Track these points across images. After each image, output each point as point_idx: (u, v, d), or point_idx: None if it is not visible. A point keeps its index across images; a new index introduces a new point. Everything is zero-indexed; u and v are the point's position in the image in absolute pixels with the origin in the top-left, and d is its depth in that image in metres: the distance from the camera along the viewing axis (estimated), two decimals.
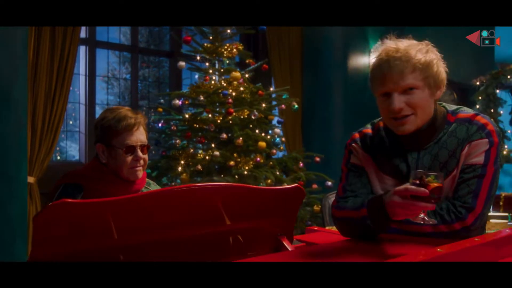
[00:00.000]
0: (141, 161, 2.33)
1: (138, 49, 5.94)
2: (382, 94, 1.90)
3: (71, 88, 4.85)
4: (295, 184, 1.98)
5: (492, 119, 1.97)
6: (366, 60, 6.56)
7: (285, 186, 2.02)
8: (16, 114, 3.60)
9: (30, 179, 4.34)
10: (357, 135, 2.16)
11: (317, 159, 5.04)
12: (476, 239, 1.70)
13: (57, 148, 5.81)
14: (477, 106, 5.61)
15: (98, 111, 5.67)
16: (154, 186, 2.57)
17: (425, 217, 1.74)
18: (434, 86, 1.88)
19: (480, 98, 5.61)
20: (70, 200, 1.43)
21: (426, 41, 1.94)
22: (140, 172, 2.36)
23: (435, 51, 1.93)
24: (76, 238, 1.46)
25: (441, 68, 1.90)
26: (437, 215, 1.87)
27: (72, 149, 5.97)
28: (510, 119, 5.80)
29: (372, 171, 2.07)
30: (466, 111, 1.98)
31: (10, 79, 3.50)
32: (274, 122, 5.40)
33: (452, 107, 2.02)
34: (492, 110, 5.55)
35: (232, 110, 4.47)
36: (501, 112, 5.64)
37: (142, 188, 2.43)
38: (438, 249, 1.49)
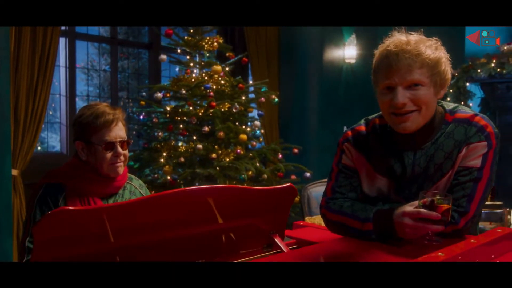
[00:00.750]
0: (121, 157, 2.27)
1: (117, 41, 5.83)
2: (385, 87, 1.81)
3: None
4: (288, 184, 1.92)
5: (491, 120, 1.89)
6: (341, 53, 6.57)
7: (279, 186, 1.91)
8: (0, 107, 3.49)
9: (14, 172, 4.25)
10: (350, 133, 2.06)
11: (295, 150, 5.04)
12: (473, 240, 1.69)
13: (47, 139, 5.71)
14: (448, 99, 5.65)
15: (79, 102, 5.60)
16: (136, 181, 2.50)
17: (433, 237, 1.73)
18: (439, 84, 1.81)
19: (451, 91, 5.65)
20: (68, 208, 1.42)
21: (436, 38, 1.85)
22: (121, 168, 2.30)
23: (443, 50, 1.84)
24: (74, 243, 1.45)
25: (447, 68, 1.82)
26: None
27: (53, 139, 5.86)
28: (478, 111, 5.83)
29: (364, 171, 2.00)
30: (465, 111, 1.90)
31: None
32: (252, 114, 5.37)
33: (450, 105, 1.95)
34: (462, 103, 5.58)
35: (214, 103, 4.44)
36: (471, 104, 5.70)
37: (124, 184, 2.39)
38: (440, 253, 1.49)
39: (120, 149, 2.25)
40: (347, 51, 6.55)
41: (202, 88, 4.60)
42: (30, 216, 2.16)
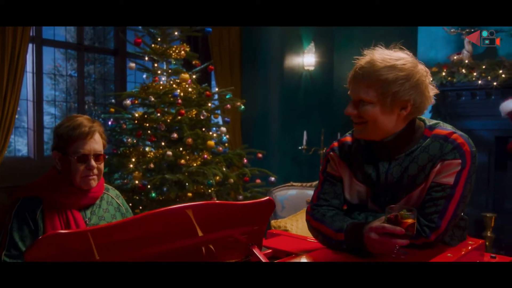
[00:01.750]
0: (95, 170, 2.21)
1: (83, 47, 5.71)
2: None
3: None
4: (267, 197, 1.94)
5: (469, 139, 1.92)
6: (300, 60, 6.61)
7: (257, 200, 1.92)
8: None
9: None
10: (336, 144, 2.13)
11: (259, 155, 5.04)
12: (449, 254, 1.74)
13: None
14: None
15: (46, 107, 5.45)
16: (112, 191, 2.46)
17: (400, 251, 1.74)
18: (390, 104, 1.83)
19: None
20: (58, 232, 1.43)
21: (413, 59, 1.89)
22: (94, 181, 2.24)
23: (417, 72, 1.86)
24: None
25: (407, 89, 1.82)
26: None
27: (19, 143, 5.72)
28: (430, 117, 5.90)
29: (346, 178, 2.05)
30: (445, 128, 1.93)
31: None
32: (216, 120, 5.35)
33: (431, 121, 1.99)
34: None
35: (183, 111, 4.41)
36: None
37: (100, 195, 2.34)
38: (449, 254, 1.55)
39: (93, 163, 2.19)
40: (306, 59, 6.60)
41: (170, 95, 4.55)
42: (7, 229, 2.11)
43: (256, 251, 1.95)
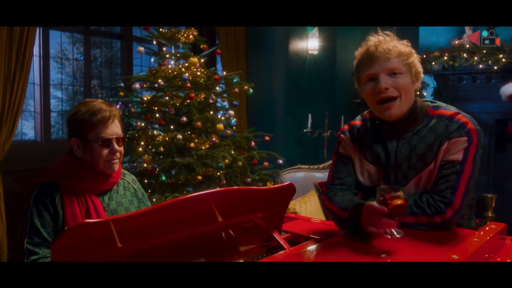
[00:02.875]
0: (117, 154, 2.16)
1: (90, 30, 5.51)
2: (369, 78, 1.91)
3: None
4: (288, 182, 1.92)
5: (473, 119, 1.94)
6: (304, 44, 6.45)
7: (279, 185, 1.93)
8: None
9: None
10: (346, 127, 2.16)
11: (267, 138, 4.90)
12: (475, 239, 1.67)
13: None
14: None
15: (52, 90, 5.29)
16: (129, 176, 2.39)
17: (394, 232, 1.69)
18: (415, 74, 1.93)
19: None
20: (86, 221, 1.40)
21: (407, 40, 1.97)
22: (117, 165, 2.18)
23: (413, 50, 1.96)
24: (89, 253, 1.42)
25: (418, 62, 1.96)
26: (418, 207, 1.87)
27: (25, 127, 5.54)
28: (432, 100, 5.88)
29: (357, 160, 2.08)
30: (449, 109, 1.98)
31: None
32: (223, 104, 5.21)
33: (434, 102, 2.05)
34: (417, 92, 5.60)
35: (193, 95, 4.26)
36: (425, 94, 5.75)
37: (118, 180, 2.27)
38: (454, 256, 1.45)
39: (116, 146, 2.14)
40: (310, 43, 6.44)
41: (179, 79, 4.40)
42: (26, 216, 2.02)
43: (276, 235, 1.94)
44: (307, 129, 5.99)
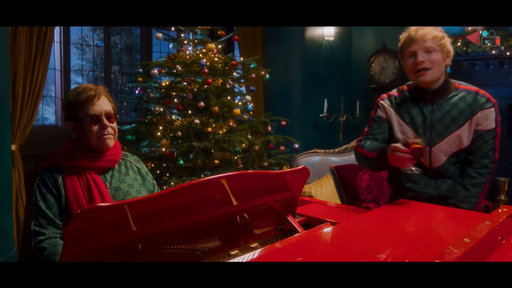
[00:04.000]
0: (109, 129, 2.10)
1: None
2: (410, 55, 2.33)
3: None
4: (302, 166, 1.91)
5: None
6: (320, 31, 6.30)
7: (293, 168, 1.90)
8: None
9: (13, 147, 3.91)
10: (385, 95, 2.51)
11: (283, 123, 4.80)
12: (487, 222, 1.63)
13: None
14: None
15: (73, 76, 5.23)
16: (131, 157, 2.32)
17: (413, 168, 2.15)
18: (446, 52, 2.33)
19: None
20: (97, 205, 1.35)
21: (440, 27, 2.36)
22: (110, 141, 2.12)
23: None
24: (101, 236, 1.36)
25: (449, 43, 2.36)
26: (477, 174, 2.32)
27: (46, 112, 5.49)
28: None
29: (395, 122, 2.42)
30: (471, 85, 2.40)
31: None
32: (240, 89, 5.12)
33: (458, 81, 2.45)
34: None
35: (210, 80, 4.16)
36: None
37: (119, 159, 2.21)
38: (465, 239, 1.40)
39: (106, 121, 2.09)
40: (326, 29, 6.28)
41: (197, 65, 4.31)
42: (31, 201, 2.00)
43: (290, 219, 1.92)
44: (323, 114, 5.87)
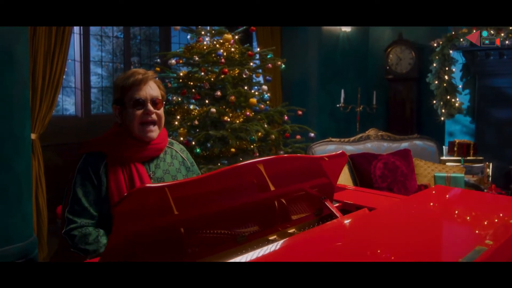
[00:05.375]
0: (153, 115, 1.96)
1: None
2: None
3: None
4: (340, 151, 1.82)
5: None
6: None
7: (331, 154, 1.79)
8: (19, 74, 3.04)
9: (32, 136, 3.85)
10: None
11: (299, 112, 4.66)
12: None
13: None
14: (434, 65, 5.41)
15: (92, 67, 5.16)
16: (177, 145, 2.19)
17: None
18: None
19: (437, 57, 5.37)
20: (147, 186, 1.29)
21: None
22: (153, 133, 1.98)
23: None
24: (147, 219, 1.31)
25: None
26: None
27: (66, 103, 5.44)
28: (460, 76, 5.64)
29: None
30: None
31: (11, 39, 2.92)
32: (257, 79, 4.99)
33: None
34: (446, 68, 5.37)
35: (226, 70, 4.05)
36: (454, 69, 5.45)
37: (164, 148, 2.07)
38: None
39: (150, 107, 1.95)
40: None
41: (214, 55, 4.19)
42: (70, 186, 1.93)
43: (328, 204, 1.84)
44: (340, 104, 5.72)
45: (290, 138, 4.58)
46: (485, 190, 4.58)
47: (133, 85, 1.94)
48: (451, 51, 5.36)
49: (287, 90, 6.14)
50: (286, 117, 4.61)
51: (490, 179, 4.87)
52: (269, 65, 4.53)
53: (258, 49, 4.79)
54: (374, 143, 4.53)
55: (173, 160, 2.10)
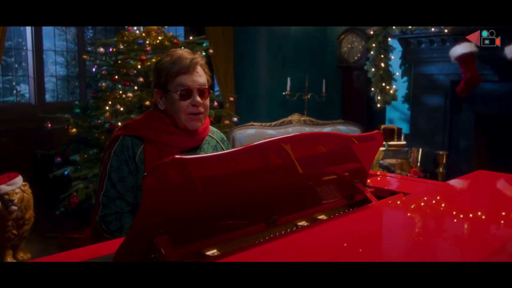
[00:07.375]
0: (200, 108, 1.81)
1: None
2: None
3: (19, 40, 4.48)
4: (376, 131, 1.62)
5: None
6: None
7: (365, 133, 1.61)
8: None
9: None
10: None
11: (231, 99, 4.78)
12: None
13: (17, 90, 5.54)
14: (371, 52, 5.35)
15: (58, 58, 5.33)
16: (217, 134, 2.05)
17: None
18: None
19: (373, 45, 5.32)
20: (179, 157, 1.08)
21: None
22: (200, 122, 1.84)
23: None
24: (178, 194, 1.14)
25: None
26: None
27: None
28: (400, 63, 5.51)
29: None
30: None
31: None
32: None
33: None
34: (382, 56, 5.30)
35: (144, 57, 4.19)
36: (392, 57, 5.38)
37: (205, 137, 1.93)
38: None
39: (198, 98, 1.79)
40: None
41: (136, 44, 4.35)
42: (106, 168, 1.80)
43: (361, 188, 1.62)
44: (286, 92, 5.74)
45: (217, 123, 4.68)
46: (404, 174, 4.59)
47: (180, 72, 1.78)
48: (389, 39, 5.29)
49: (238, 79, 6.16)
50: (216, 104, 4.71)
51: (418, 163, 4.87)
52: (198, 52, 4.61)
53: (191, 38, 4.85)
54: (296, 128, 4.55)
55: (213, 151, 1.94)
